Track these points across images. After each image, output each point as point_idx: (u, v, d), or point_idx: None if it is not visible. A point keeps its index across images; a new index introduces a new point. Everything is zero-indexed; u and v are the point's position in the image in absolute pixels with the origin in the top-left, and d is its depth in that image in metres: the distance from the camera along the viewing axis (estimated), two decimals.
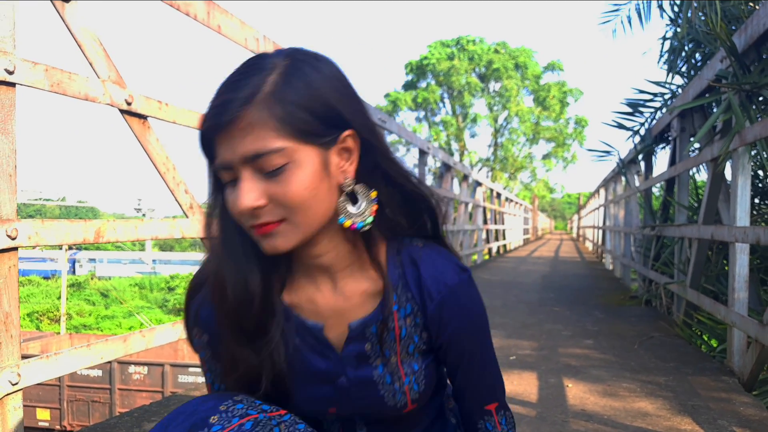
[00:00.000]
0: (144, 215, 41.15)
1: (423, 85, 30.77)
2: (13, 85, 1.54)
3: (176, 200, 2.25)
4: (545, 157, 31.98)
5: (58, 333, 22.21)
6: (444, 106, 31.42)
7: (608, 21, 4.78)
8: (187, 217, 2.29)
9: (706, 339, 3.66)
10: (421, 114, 31.29)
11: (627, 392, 2.30)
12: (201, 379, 19.17)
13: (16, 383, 1.57)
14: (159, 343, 2.11)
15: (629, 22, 4.74)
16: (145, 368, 14.71)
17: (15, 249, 1.56)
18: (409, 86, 31.24)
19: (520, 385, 2.38)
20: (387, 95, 31.25)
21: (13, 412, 1.58)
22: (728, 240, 2.74)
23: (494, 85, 30.58)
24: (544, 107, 29.96)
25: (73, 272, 42.70)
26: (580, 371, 2.62)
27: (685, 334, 3.50)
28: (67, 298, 29.65)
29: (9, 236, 1.53)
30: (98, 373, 18.06)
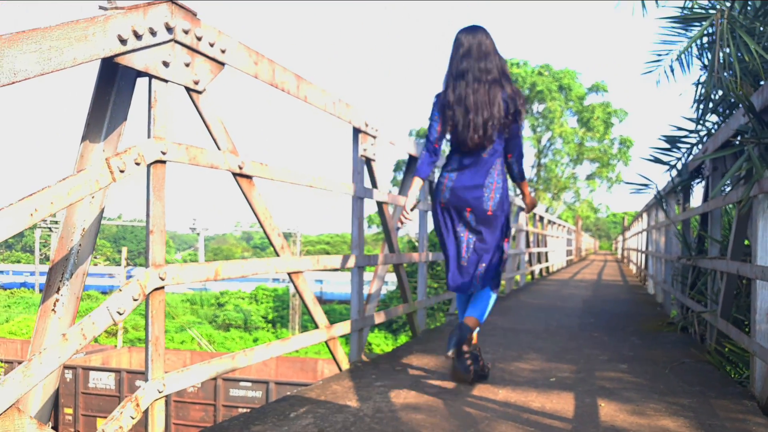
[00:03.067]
0: (198, 234, 42.52)
1: None
2: (165, 162, 2.03)
3: (271, 242, 2.72)
4: (589, 177, 31.86)
5: (116, 346, 23.28)
6: None
7: (650, 71, 5.03)
8: (278, 256, 2.76)
9: (735, 366, 3.93)
10: None
11: (653, 411, 2.64)
12: (251, 393, 19.54)
13: (162, 391, 2.04)
14: (257, 361, 2.57)
15: (672, 71, 4.98)
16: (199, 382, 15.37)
17: (163, 288, 2.05)
18: None
19: (558, 404, 2.74)
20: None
21: (160, 413, 2.05)
22: (750, 276, 3.06)
23: (538, 107, 30.75)
24: (588, 128, 29.96)
25: None
26: (613, 392, 2.97)
27: (715, 361, 3.79)
28: None
29: (161, 278, 2.02)
30: None
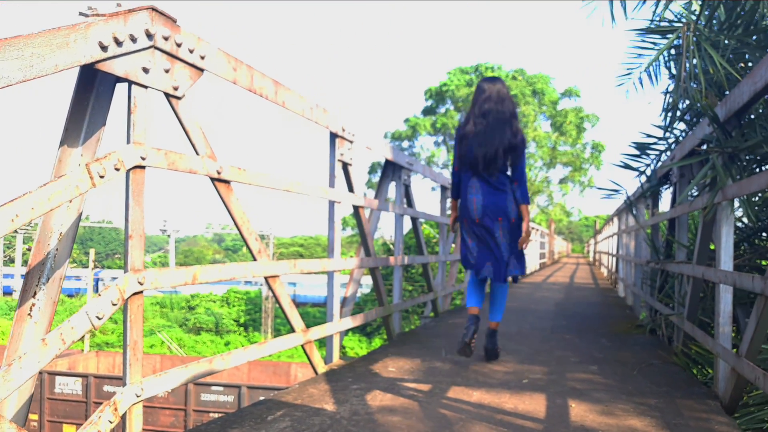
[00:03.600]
0: (169, 235, 41.95)
1: (442, 110, 31.41)
2: (144, 168, 2.05)
3: (248, 247, 2.74)
4: (562, 181, 32.34)
5: (83, 350, 22.86)
6: None
7: (622, 84, 5.14)
8: (256, 260, 2.78)
9: (700, 367, 4.06)
10: (440, 138, 31.87)
11: (622, 411, 2.72)
12: (223, 398, 19.34)
13: (140, 395, 2.05)
14: (234, 365, 2.58)
15: (641, 82, 5.11)
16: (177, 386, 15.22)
17: (142, 292, 2.06)
18: (428, 111, 31.89)
19: (530, 405, 2.81)
20: (407, 120, 31.91)
21: (138, 417, 2.06)
22: (714, 281, 3.17)
23: None
24: (561, 132, 30.42)
25: (97, 290, 43.62)
26: (583, 393, 3.04)
27: (682, 362, 3.90)
28: None
29: (139, 282, 2.03)
30: None
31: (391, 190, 4.98)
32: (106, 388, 18.75)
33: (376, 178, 30.40)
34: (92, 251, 30.87)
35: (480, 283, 3.86)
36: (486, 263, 3.70)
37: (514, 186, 3.68)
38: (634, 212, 6.58)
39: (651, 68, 4.54)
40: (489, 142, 3.57)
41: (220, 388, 17.57)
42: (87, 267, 36.44)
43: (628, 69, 4.67)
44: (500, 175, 3.64)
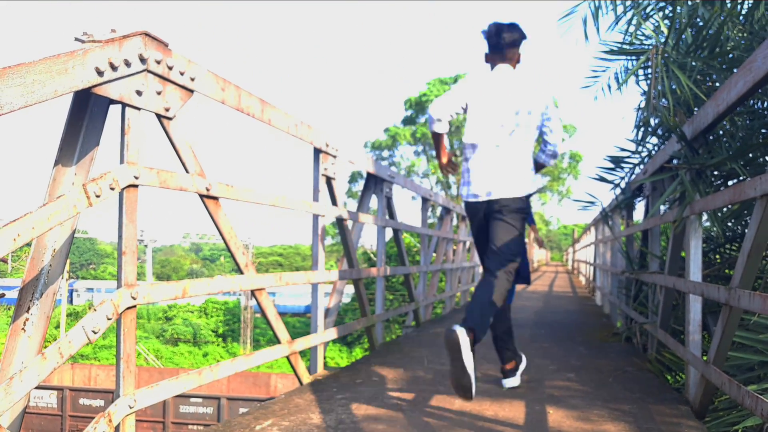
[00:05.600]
0: (146, 245, 41.53)
1: (422, 120, 31.63)
2: (137, 186, 2.12)
3: (235, 260, 2.81)
4: (540, 190, 32.69)
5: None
6: None
7: (589, 86, 5.35)
8: (242, 273, 2.85)
9: (673, 374, 4.20)
10: (420, 148, 32.10)
11: (597, 417, 2.84)
12: (202, 410, 19.06)
13: (133, 407, 2.11)
14: (223, 376, 2.65)
15: (609, 88, 5.32)
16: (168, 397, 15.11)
17: (135, 306, 2.12)
18: (408, 121, 32.12)
19: (510, 412, 2.91)
20: (386, 130, 32.10)
21: (131, 428, 2.12)
22: (684, 291, 3.31)
23: None
24: (538, 143, 30.79)
25: (71, 302, 42.98)
26: (561, 400, 3.15)
27: (655, 369, 4.04)
28: (65, 328, 29.94)
29: (133, 297, 2.09)
30: (100, 402, 18.33)
31: (373, 201, 5.07)
32: (83, 401, 18.48)
33: (355, 187, 30.52)
34: (67, 262, 30.34)
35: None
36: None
37: None
38: (610, 223, 6.75)
39: (620, 73, 4.71)
40: None
41: (200, 400, 17.39)
42: (62, 278, 35.90)
43: (594, 71, 4.83)
44: None
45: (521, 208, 3.12)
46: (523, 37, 3.23)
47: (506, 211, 3.07)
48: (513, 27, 3.21)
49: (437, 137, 3.25)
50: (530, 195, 3.27)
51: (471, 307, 2.85)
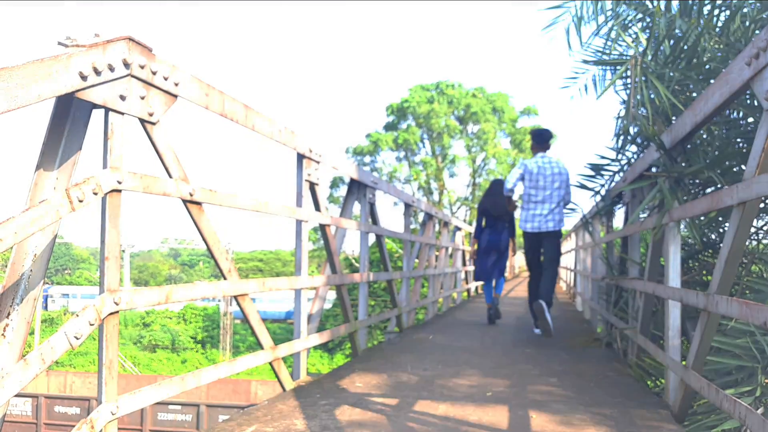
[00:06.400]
0: (124, 250, 40.99)
1: (404, 126, 31.72)
2: (120, 191, 2.10)
3: (218, 266, 2.80)
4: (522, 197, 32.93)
5: None
6: (423, 147, 32.39)
7: (567, 87, 5.39)
8: (226, 279, 2.84)
9: (654, 378, 4.25)
10: (402, 154, 32.17)
11: (579, 421, 2.87)
12: (180, 417, 18.78)
13: (115, 413, 2.09)
14: (206, 382, 2.63)
15: (586, 90, 5.37)
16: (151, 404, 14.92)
17: (118, 312, 2.10)
18: (390, 127, 32.17)
19: (494, 416, 2.93)
20: (368, 135, 32.13)
21: None
22: (664, 297, 3.36)
23: (472, 128, 31.67)
24: (520, 149, 31.04)
25: (46, 308, 42.28)
26: (543, 405, 3.18)
27: (636, 374, 4.09)
28: (40, 334, 29.43)
29: (115, 302, 2.08)
30: (76, 410, 18.02)
31: (356, 207, 5.07)
32: (58, 408, 18.17)
33: (337, 193, 30.48)
34: (47, 267, 29.83)
35: (490, 286, 7.02)
36: (494, 271, 6.97)
37: (508, 227, 7.04)
38: (590, 230, 6.82)
39: (597, 76, 4.79)
40: (497, 208, 6.83)
41: (178, 407, 17.15)
42: (42, 283, 35.27)
43: (575, 73, 4.90)
44: (501, 224, 6.96)
45: (559, 235, 5.78)
46: (553, 137, 5.67)
47: (553, 237, 5.71)
48: (551, 133, 6.02)
49: (509, 198, 6.17)
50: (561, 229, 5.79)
51: (544, 289, 5.62)
